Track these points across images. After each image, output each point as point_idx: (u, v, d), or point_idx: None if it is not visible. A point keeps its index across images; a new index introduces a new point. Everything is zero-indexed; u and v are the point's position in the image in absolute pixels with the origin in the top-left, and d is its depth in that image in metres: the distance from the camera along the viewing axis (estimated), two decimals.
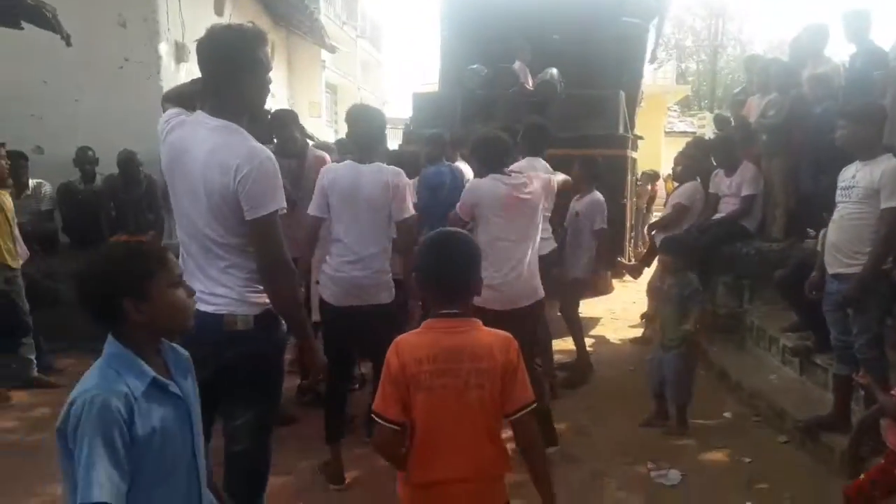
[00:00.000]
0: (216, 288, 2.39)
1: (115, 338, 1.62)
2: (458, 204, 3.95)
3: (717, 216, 6.27)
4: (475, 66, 7.56)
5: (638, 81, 8.37)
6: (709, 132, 20.95)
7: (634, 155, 7.69)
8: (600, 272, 5.99)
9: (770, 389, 4.89)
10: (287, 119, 4.96)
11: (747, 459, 4.09)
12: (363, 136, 3.78)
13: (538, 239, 3.99)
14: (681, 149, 7.73)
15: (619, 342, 6.78)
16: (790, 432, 4.33)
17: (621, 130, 6.94)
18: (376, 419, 1.97)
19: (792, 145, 5.89)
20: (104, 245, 1.72)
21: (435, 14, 9.13)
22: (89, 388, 1.50)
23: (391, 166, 3.75)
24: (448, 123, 6.93)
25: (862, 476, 2.98)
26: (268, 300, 2.41)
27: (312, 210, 3.71)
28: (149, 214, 6.84)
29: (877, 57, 6.07)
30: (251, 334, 2.38)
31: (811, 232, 5.80)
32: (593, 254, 5.60)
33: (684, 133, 24.23)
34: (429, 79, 15.52)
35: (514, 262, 3.79)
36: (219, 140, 2.35)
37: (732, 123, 7.53)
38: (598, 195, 5.64)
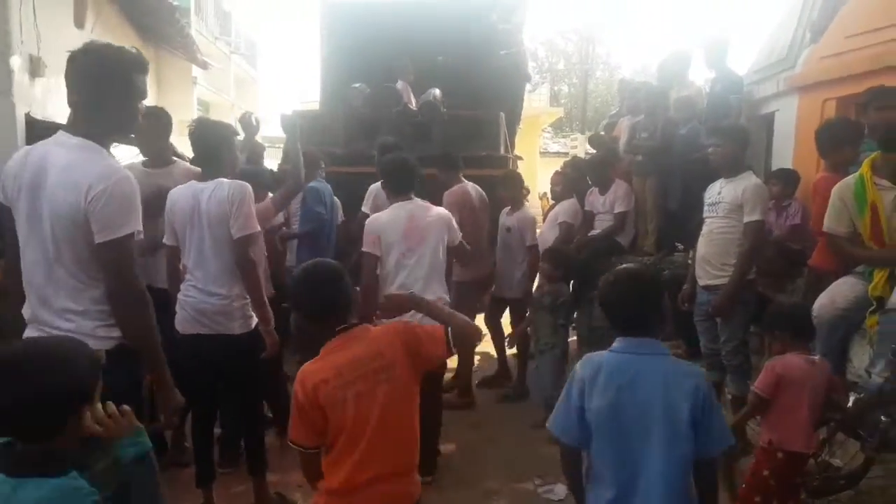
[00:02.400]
0: (61, 322, 2.21)
1: None
2: (363, 241, 3.90)
3: (593, 233, 6.52)
4: (358, 85, 7.49)
5: (518, 103, 8.59)
6: (581, 153, 21.97)
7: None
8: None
9: None
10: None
11: None
12: (204, 151, 3.50)
13: (442, 263, 4.00)
14: (556, 168, 8.00)
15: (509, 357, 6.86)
16: None
17: (502, 151, 7.09)
18: (295, 447, 2.19)
19: (662, 164, 6.24)
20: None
21: (315, 31, 8.91)
22: None
23: (235, 180, 3.44)
24: (331, 142, 6.83)
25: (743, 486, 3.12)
26: (119, 334, 2.27)
27: (166, 239, 3.48)
28: None
29: (733, 82, 6.58)
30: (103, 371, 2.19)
31: (679, 246, 6.16)
32: (526, 270, 5.72)
33: (558, 153, 25.29)
34: (309, 97, 15.24)
35: (420, 288, 3.73)
36: (74, 158, 2.19)
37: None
38: (529, 211, 5.82)
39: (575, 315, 6.67)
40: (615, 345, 2.18)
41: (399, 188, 4.03)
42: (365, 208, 5.28)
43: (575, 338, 6.55)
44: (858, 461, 3.21)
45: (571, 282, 6.26)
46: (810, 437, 3.03)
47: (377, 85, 7.37)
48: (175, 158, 4.22)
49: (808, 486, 3.22)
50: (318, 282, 2.23)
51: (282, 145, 8.80)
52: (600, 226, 6.50)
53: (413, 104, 7.52)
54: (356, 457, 2.13)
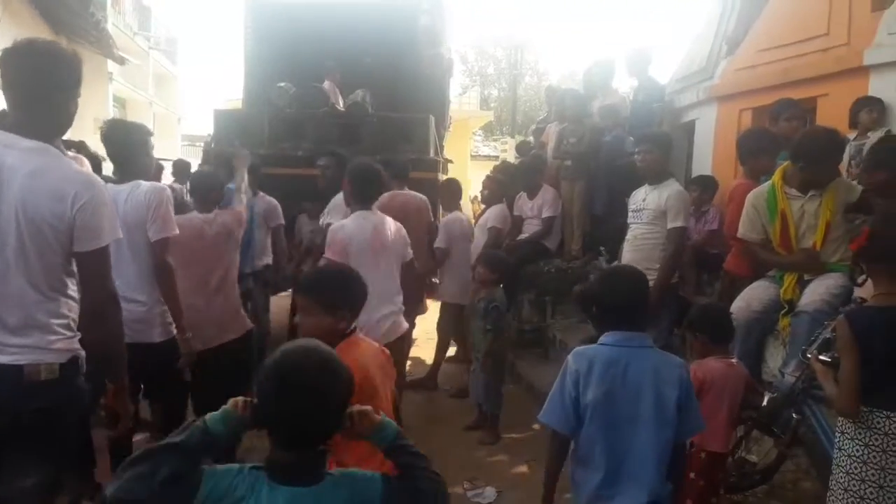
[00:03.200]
0: (11, 338, 2.09)
1: None
2: (326, 250, 3.77)
3: (522, 237, 6.59)
4: (283, 84, 7.32)
5: (445, 105, 8.60)
6: (511, 157, 22.21)
7: (443, 178, 7.88)
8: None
9: None
10: None
11: None
12: (118, 153, 3.34)
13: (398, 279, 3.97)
14: (486, 172, 8.05)
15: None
16: None
17: (432, 154, 7.07)
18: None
19: (588, 170, 6.36)
20: None
21: (238, 28, 8.67)
22: None
23: (153, 183, 3.34)
24: (255, 143, 6.65)
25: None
26: (76, 346, 2.21)
27: None
28: None
29: (655, 90, 6.77)
30: (54, 385, 2.12)
31: (603, 249, 6.29)
32: (469, 277, 5.77)
33: (488, 157, 25.51)
34: (231, 95, 14.84)
35: (379, 301, 3.64)
36: (40, 163, 2.10)
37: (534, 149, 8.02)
38: (461, 214, 6.01)
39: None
40: (606, 338, 2.35)
41: (365, 197, 3.93)
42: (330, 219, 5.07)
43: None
44: (772, 457, 3.33)
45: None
46: (729, 437, 3.14)
47: (303, 84, 7.22)
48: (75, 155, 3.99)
49: (725, 482, 3.32)
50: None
51: (202, 144, 8.55)
52: (529, 230, 6.59)
53: (340, 105, 7.42)
54: None
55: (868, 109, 4.58)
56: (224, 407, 1.55)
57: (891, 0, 4.67)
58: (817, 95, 5.16)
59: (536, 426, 4.99)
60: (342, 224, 3.86)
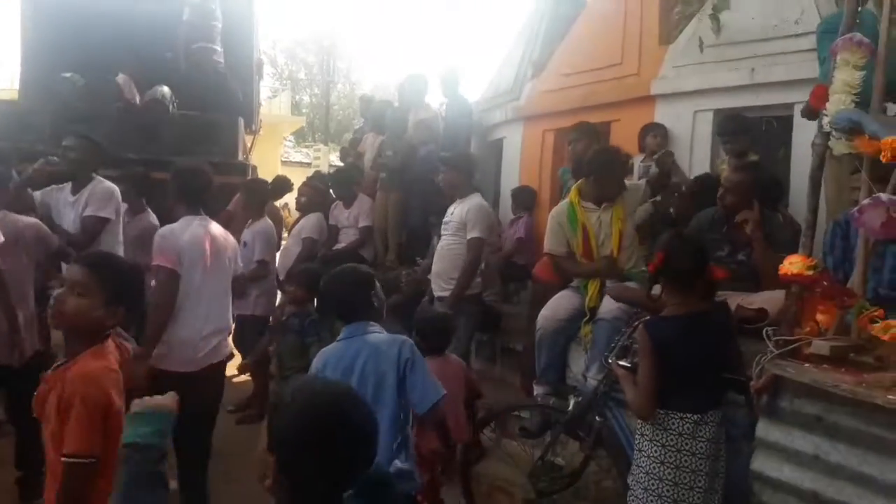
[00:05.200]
0: None
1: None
2: (157, 256, 3.28)
3: (338, 246, 6.46)
4: (69, 75, 6.57)
5: (255, 108, 8.23)
6: (324, 164, 21.92)
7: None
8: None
9: None
10: None
11: None
12: None
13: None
14: (300, 179, 7.83)
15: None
16: None
17: (241, 157, 6.72)
18: None
19: (404, 182, 6.38)
20: None
21: (13, 8, 7.65)
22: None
23: None
24: (34, 138, 5.87)
25: None
26: None
27: None
28: None
29: (463, 107, 6.99)
30: None
31: (419, 260, 6.35)
32: (270, 290, 5.42)
33: (301, 163, 24.95)
34: (6, 83, 13.13)
35: (207, 317, 3.36)
36: None
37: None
38: (267, 222, 5.59)
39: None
40: (341, 333, 2.56)
41: (196, 200, 3.53)
42: None
43: None
44: (578, 460, 3.51)
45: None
46: (463, 425, 3.56)
47: (93, 77, 6.53)
48: None
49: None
50: None
51: None
52: (345, 239, 6.47)
53: (137, 100, 6.81)
54: None
55: (653, 134, 5.07)
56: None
57: (675, 36, 5.22)
58: (611, 120, 5.62)
59: None
60: (171, 228, 3.43)
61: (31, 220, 3.93)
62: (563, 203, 4.16)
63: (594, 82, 5.82)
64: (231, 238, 3.72)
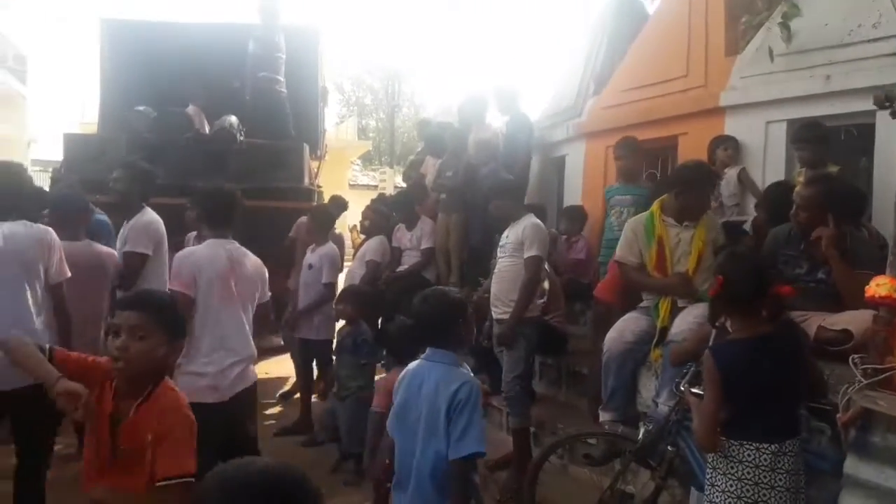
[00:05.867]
0: None
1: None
2: (172, 280, 3.36)
3: (401, 268, 6.47)
4: (143, 108, 6.86)
5: (321, 134, 8.40)
6: (390, 186, 22.23)
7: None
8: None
9: None
10: None
11: None
12: None
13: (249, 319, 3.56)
14: (366, 202, 7.92)
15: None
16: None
17: (306, 183, 6.84)
18: None
19: (465, 203, 6.34)
20: None
21: (94, 48, 8.08)
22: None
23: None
24: (110, 169, 6.13)
25: None
26: None
27: None
28: None
29: (523, 124, 6.92)
30: None
31: (482, 281, 6.28)
32: (332, 313, 5.39)
33: (367, 186, 25.44)
34: (88, 117, 13.83)
35: (228, 343, 3.33)
36: None
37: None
38: (332, 247, 5.61)
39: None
40: (424, 353, 2.56)
41: (219, 222, 3.50)
42: None
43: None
44: (650, 489, 3.35)
45: (379, 319, 6.15)
46: None
47: (165, 109, 6.79)
48: None
49: None
50: None
51: (51, 170, 7.82)
52: (408, 261, 6.48)
53: (206, 130, 7.04)
54: None
55: (724, 147, 4.87)
56: None
57: (742, 46, 5.03)
58: (678, 134, 5.44)
59: None
60: (191, 250, 3.46)
61: (110, 250, 4.08)
62: (643, 214, 4.05)
63: (659, 96, 5.67)
64: (259, 263, 3.59)
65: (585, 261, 5.66)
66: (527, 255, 4.33)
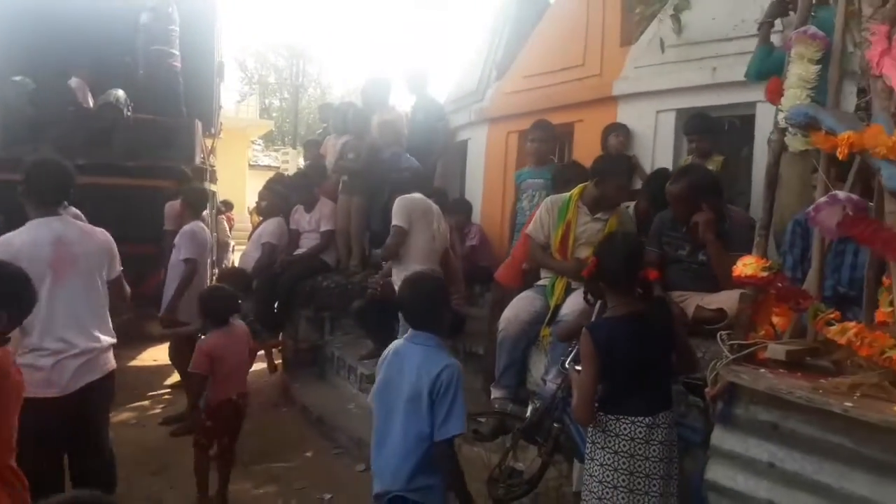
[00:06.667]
0: None
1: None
2: None
3: (299, 251, 6.33)
4: (19, 78, 6.36)
5: (215, 111, 8.07)
6: (293, 167, 21.71)
7: (214, 187, 7.36)
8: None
9: (348, 419, 5.02)
10: None
11: (328, 495, 4.07)
12: None
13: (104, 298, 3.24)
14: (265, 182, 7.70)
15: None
16: (369, 460, 4.46)
17: (198, 161, 6.55)
18: None
19: (367, 185, 6.27)
20: None
21: None
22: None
23: None
24: None
25: None
26: None
27: None
28: None
29: (435, 109, 6.90)
30: None
31: (384, 264, 6.23)
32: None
33: (269, 167, 24.77)
34: None
35: (63, 331, 2.98)
36: None
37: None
38: (194, 223, 5.35)
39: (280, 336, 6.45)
40: (407, 335, 2.66)
41: (45, 200, 3.10)
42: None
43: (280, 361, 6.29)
44: (537, 465, 3.43)
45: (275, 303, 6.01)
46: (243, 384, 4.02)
47: (45, 81, 6.32)
48: None
49: (492, 493, 3.36)
50: None
51: None
52: (306, 244, 6.34)
53: (91, 104, 6.61)
54: None
55: (616, 134, 5.03)
56: None
57: (636, 37, 5.19)
58: (574, 121, 5.57)
59: (309, 453, 4.75)
60: (8, 238, 2.99)
61: None
62: (563, 195, 4.14)
63: (557, 84, 5.77)
64: (103, 237, 3.25)
65: (479, 246, 5.74)
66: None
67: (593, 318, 2.83)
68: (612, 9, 5.51)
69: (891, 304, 2.40)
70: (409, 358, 2.58)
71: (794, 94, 2.25)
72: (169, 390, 6.04)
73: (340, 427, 4.90)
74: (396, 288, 4.36)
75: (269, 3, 61.73)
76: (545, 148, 5.25)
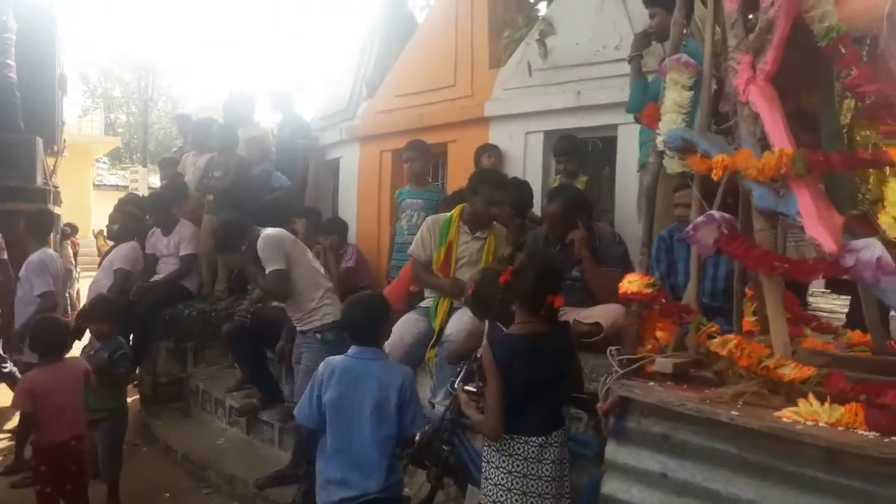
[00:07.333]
0: None
1: None
2: None
3: (157, 277, 5.89)
4: None
5: (57, 127, 7.38)
6: (143, 187, 20.41)
7: (58, 210, 6.71)
8: None
9: (218, 455, 4.71)
10: None
11: None
12: None
13: None
14: (114, 203, 7.11)
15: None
16: (244, 497, 4.19)
17: (39, 182, 5.94)
18: None
19: (235, 204, 5.94)
20: None
21: None
22: None
23: None
24: None
25: None
26: None
27: None
28: None
29: (301, 126, 6.71)
30: None
31: (250, 288, 5.93)
32: None
33: (116, 186, 23.18)
34: None
35: None
36: None
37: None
38: (41, 251, 4.88)
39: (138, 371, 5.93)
40: (350, 351, 2.84)
41: None
42: None
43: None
44: (426, 491, 3.35)
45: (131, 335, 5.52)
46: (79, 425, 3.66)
47: None
48: None
49: None
50: None
51: None
52: (164, 270, 5.91)
53: None
54: None
55: (488, 155, 5.12)
56: None
57: (504, 60, 5.32)
58: (448, 141, 5.61)
59: (175, 496, 4.38)
60: None
61: None
62: (445, 215, 4.14)
63: (429, 103, 5.80)
64: None
65: (355, 267, 5.59)
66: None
67: (485, 337, 2.83)
68: (481, 31, 5.62)
69: (754, 313, 2.60)
70: (364, 373, 2.77)
71: (671, 119, 2.36)
72: (10, 435, 5.37)
73: (210, 465, 4.57)
74: (298, 325, 4.17)
75: (115, 11, 57.98)
76: (420, 168, 5.24)
